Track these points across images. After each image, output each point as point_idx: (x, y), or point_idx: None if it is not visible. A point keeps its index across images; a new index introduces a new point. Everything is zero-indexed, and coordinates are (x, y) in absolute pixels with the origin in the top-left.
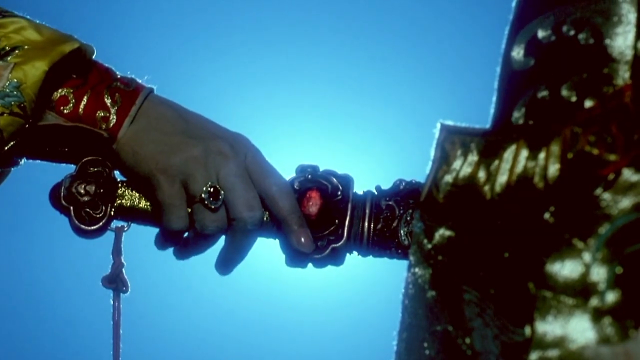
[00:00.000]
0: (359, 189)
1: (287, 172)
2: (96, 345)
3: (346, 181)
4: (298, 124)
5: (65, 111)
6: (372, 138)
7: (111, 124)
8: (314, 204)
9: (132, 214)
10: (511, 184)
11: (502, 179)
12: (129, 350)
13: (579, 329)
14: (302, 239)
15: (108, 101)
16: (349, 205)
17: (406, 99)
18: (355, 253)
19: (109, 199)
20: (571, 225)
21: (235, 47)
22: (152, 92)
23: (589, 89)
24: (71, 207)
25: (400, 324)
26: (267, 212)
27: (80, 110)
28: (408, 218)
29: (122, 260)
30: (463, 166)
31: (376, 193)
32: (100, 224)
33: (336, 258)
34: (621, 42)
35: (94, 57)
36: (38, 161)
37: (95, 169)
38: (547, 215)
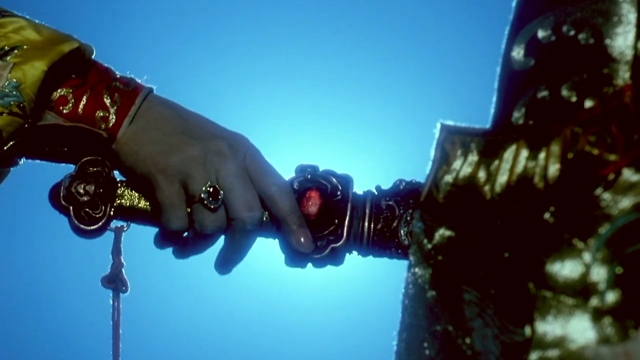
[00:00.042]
0: (359, 189)
1: (287, 172)
2: (96, 345)
3: (346, 181)
4: (298, 124)
5: (64, 111)
6: (372, 138)
7: (110, 124)
8: (313, 204)
9: (131, 214)
10: (511, 184)
11: (502, 179)
12: (129, 350)
13: (579, 329)
14: (302, 239)
15: (107, 101)
16: (349, 205)
17: (406, 99)
18: (355, 253)
19: (108, 198)
20: (571, 225)
21: (235, 47)
22: (152, 92)
23: (589, 89)
24: (71, 207)
25: (400, 324)
26: (266, 212)
27: (80, 110)
28: (408, 218)
29: (122, 260)
30: (463, 166)
31: (376, 193)
32: (100, 223)
33: (336, 258)
34: (621, 42)
35: (93, 57)
36: (37, 161)
37: (95, 169)
38: (547, 215)
